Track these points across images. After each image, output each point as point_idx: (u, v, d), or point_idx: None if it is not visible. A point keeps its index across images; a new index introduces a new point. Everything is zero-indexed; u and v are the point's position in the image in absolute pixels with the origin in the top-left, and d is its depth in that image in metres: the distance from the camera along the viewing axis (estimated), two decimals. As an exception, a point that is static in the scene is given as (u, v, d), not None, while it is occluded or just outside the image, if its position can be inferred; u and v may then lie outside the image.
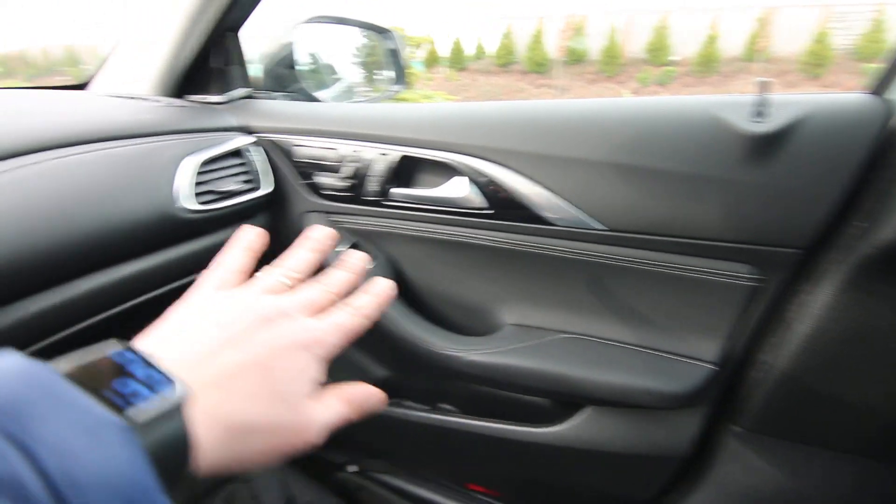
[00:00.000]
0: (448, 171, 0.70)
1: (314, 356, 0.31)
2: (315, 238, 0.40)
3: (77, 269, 0.58)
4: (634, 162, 0.60)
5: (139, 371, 0.24)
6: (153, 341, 0.29)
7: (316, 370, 0.32)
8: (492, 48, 13.98)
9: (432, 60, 13.85)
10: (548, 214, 0.65)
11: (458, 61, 14.06)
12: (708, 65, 11.49)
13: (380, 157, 0.72)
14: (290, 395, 0.30)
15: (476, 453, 0.84)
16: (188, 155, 0.68)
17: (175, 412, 0.24)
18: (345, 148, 0.74)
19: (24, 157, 0.55)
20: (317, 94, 0.96)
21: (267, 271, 0.36)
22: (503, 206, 0.68)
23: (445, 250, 0.75)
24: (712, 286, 0.63)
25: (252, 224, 0.80)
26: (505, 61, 13.69)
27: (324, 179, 0.76)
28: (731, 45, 11.52)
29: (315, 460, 1.02)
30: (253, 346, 0.29)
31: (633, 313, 0.69)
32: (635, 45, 12.65)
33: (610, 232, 0.64)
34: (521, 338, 0.72)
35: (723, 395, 0.69)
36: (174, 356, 0.27)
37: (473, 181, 0.68)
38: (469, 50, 14.30)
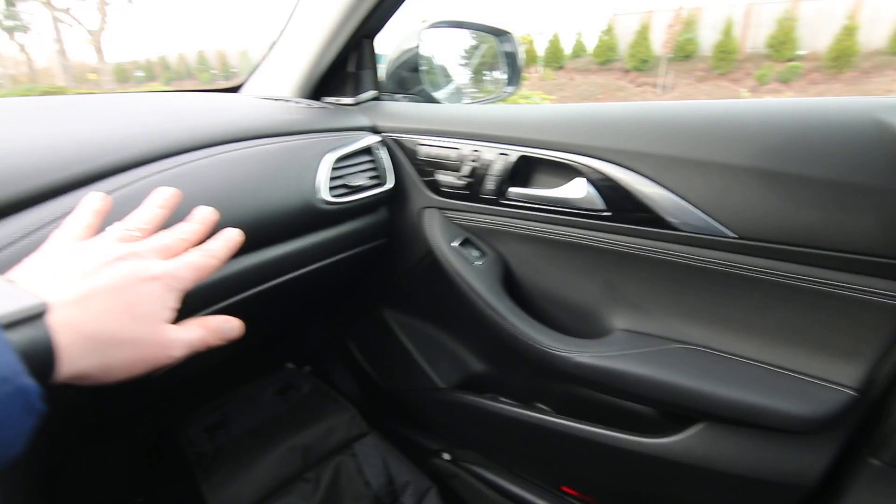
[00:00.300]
0: (566, 171, 0.71)
1: (167, 287, 0.37)
2: (162, 196, 0.45)
3: (239, 249, 0.66)
4: (778, 168, 0.56)
5: (2, 289, 0.30)
6: (15, 274, 0.34)
7: (171, 299, 0.37)
8: (592, 46, 13.51)
9: (529, 59, 13.68)
10: (672, 219, 0.63)
11: (555, 59, 13.76)
12: (842, 59, 10.18)
13: (499, 157, 0.74)
14: (147, 316, 0.35)
15: (574, 456, 0.84)
16: (328, 152, 0.75)
17: (36, 319, 0.28)
18: (466, 148, 0.77)
19: (197, 151, 0.65)
20: (435, 95, 1.01)
21: (115, 225, 0.41)
22: (622, 208, 0.67)
23: (558, 250, 0.76)
24: (860, 304, 0.57)
25: (373, 218, 0.87)
26: (605, 59, 13.16)
27: (444, 177, 0.80)
28: (873, 36, 10.12)
29: (411, 444, 1.08)
30: (107, 276, 0.34)
31: (761, 328, 0.65)
32: (755, 38, 11.57)
33: (740, 240, 0.61)
34: (634, 344, 0.71)
35: (861, 423, 0.62)
36: (34, 282, 0.32)
37: (592, 182, 0.68)
38: (568, 48, 13.93)
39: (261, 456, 0.86)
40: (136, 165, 0.58)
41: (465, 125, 0.78)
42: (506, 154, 0.74)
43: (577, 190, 0.69)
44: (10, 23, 16.67)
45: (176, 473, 0.96)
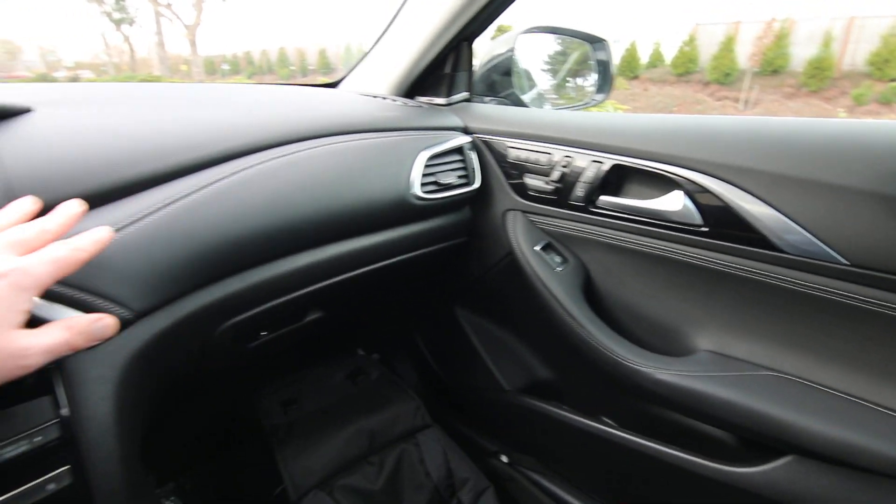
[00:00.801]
0: (661, 183, 0.69)
1: (15, 285, 0.32)
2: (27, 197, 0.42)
3: (332, 236, 0.70)
4: None
5: None
6: None
7: (22, 300, 0.33)
8: (670, 56, 12.99)
9: (602, 68, 13.31)
10: (776, 240, 0.61)
11: (629, 69, 13.35)
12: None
13: (591, 165, 0.74)
14: None
15: (638, 474, 0.82)
16: (423, 149, 0.78)
17: None
18: (558, 153, 0.77)
19: (306, 141, 0.69)
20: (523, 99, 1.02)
21: None
22: (721, 224, 0.65)
23: (645, 262, 0.74)
24: None
25: (457, 216, 0.89)
26: (683, 70, 12.61)
27: (532, 181, 0.80)
28: None
29: (469, 442, 1.09)
30: None
31: (866, 363, 0.61)
32: (854, 55, 10.68)
33: (852, 268, 0.57)
34: (721, 366, 0.68)
35: None
36: None
37: (689, 195, 0.66)
38: (645, 58, 13.47)
39: (330, 434, 0.91)
40: (254, 151, 0.63)
41: (557, 130, 0.79)
42: (599, 162, 0.73)
43: (673, 202, 0.68)
44: (118, 15, 18.29)
45: (251, 440, 1.02)
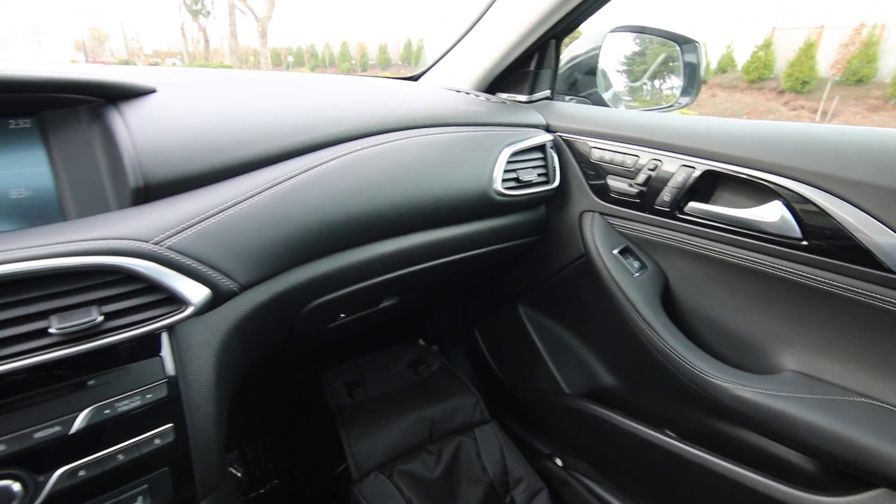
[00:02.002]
0: (757, 192, 0.66)
1: None
2: None
3: (416, 225, 0.72)
4: None
5: None
6: None
7: None
8: (742, 61, 12.32)
9: (668, 71, 12.82)
10: (887, 260, 0.57)
11: (697, 74, 12.76)
12: None
13: (681, 169, 0.72)
14: None
15: (704, 491, 0.79)
16: (506, 146, 0.78)
17: None
18: (645, 156, 0.75)
19: (398, 132, 0.71)
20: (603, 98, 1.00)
21: None
22: (823, 239, 0.61)
23: (731, 273, 0.71)
24: None
25: (532, 214, 0.88)
26: (756, 76, 11.94)
27: (615, 183, 0.79)
28: None
29: (521, 442, 1.08)
30: None
31: None
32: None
33: None
34: (809, 388, 0.65)
35: None
36: None
37: (789, 207, 0.63)
38: (714, 62, 12.86)
39: (393, 420, 0.93)
40: (352, 138, 0.66)
41: (645, 132, 0.77)
42: (690, 166, 0.71)
43: (771, 213, 0.64)
44: (196, 7, 19.35)
45: (314, 417, 1.06)
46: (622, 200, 0.79)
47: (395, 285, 0.77)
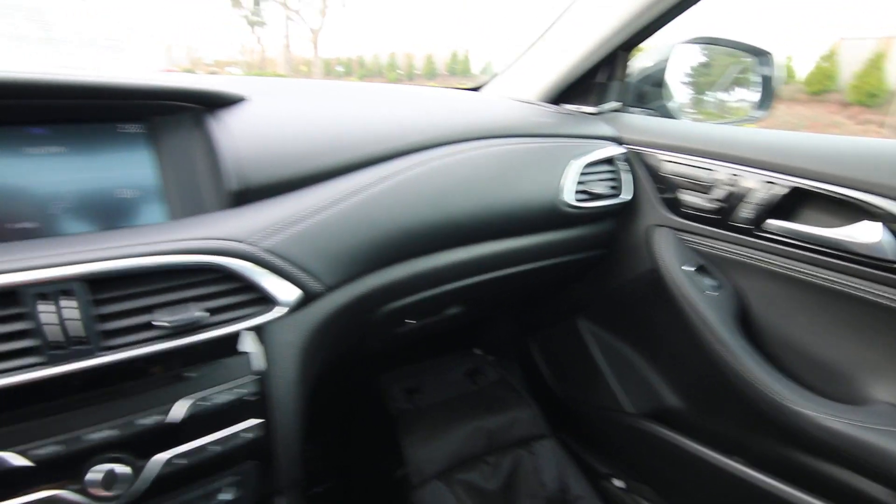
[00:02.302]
0: (849, 211, 0.63)
1: None
2: None
3: (486, 235, 0.73)
4: None
5: None
6: None
7: None
8: (804, 73, 11.75)
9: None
10: None
11: (754, 85, 12.26)
12: None
13: (763, 186, 0.69)
14: None
15: None
16: (575, 157, 0.77)
17: None
18: (722, 171, 0.73)
19: (471, 142, 0.71)
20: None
21: None
22: None
23: (818, 296, 0.68)
24: None
25: (600, 227, 0.87)
26: (819, 88, 11.33)
27: (689, 198, 0.77)
28: None
29: (580, 460, 1.06)
30: None
31: None
32: None
33: None
34: None
35: None
36: None
37: (889, 228, 0.60)
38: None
39: (452, 428, 0.93)
40: (430, 147, 0.67)
41: (722, 146, 0.74)
42: (773, 183, 0.68)
43: (867, 234, 0.61)
44: (254, 18, 20.27)
45: (370, 420, 1.08)
46: (695, 215, 0.77)
47: (462, 294, 0.77)
